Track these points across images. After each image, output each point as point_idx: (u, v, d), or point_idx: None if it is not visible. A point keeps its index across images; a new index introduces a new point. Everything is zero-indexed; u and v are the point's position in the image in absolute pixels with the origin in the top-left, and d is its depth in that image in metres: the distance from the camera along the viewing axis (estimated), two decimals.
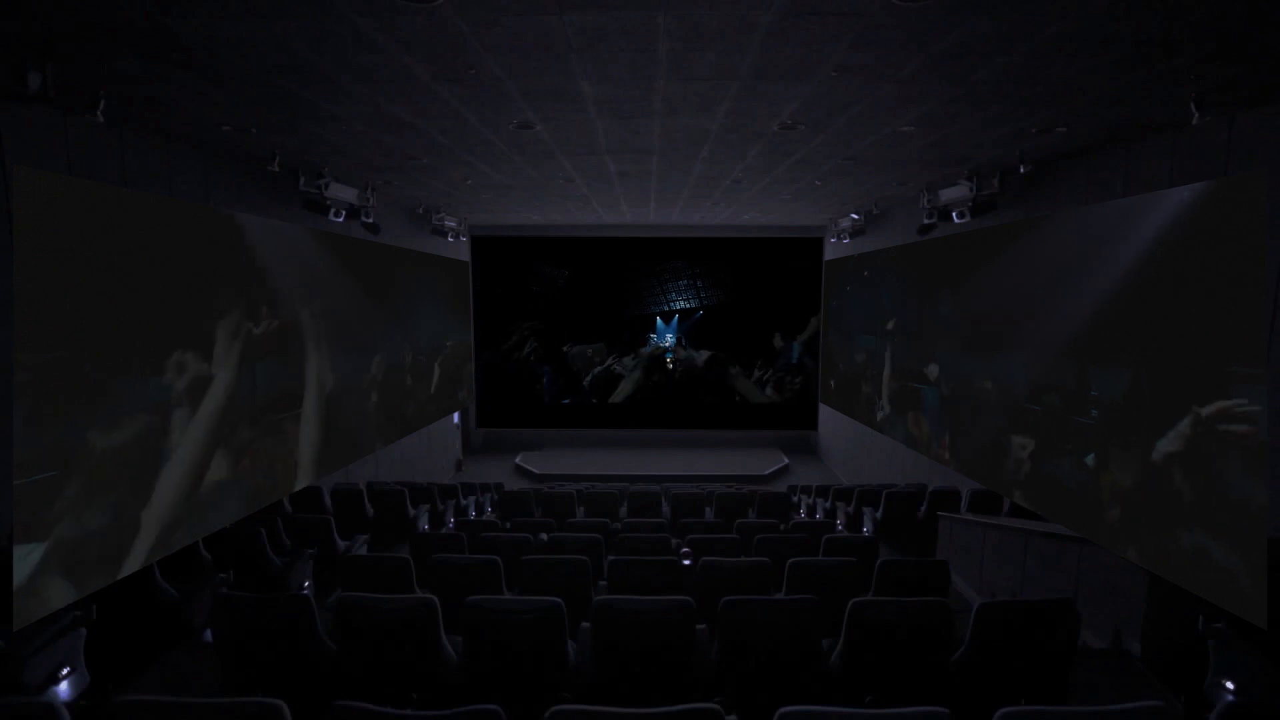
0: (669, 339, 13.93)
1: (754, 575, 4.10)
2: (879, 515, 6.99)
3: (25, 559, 3.14)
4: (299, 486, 6.04)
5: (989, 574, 5.52)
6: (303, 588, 4.78)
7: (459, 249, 12.23)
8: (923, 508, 7.02)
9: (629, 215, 10.66)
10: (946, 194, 6.91)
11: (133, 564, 3.84)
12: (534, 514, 7.18)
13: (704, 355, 13.76)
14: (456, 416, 12.78)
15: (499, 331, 13.92)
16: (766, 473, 12.54)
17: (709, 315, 13.92)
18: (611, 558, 4.30)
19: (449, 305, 11.06)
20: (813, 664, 3.16)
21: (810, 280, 13.46)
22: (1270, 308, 3.81)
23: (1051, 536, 4.78)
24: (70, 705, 2.28)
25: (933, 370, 7.36)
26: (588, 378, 13.93)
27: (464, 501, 8.10)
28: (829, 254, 12.69)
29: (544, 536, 5.31)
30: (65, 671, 2.95)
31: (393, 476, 9.18)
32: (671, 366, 13.89)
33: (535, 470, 12.67)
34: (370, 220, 7.56)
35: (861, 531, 6.86)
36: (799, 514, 8.02)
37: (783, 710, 2.05)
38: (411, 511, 6.80)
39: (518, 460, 13.27)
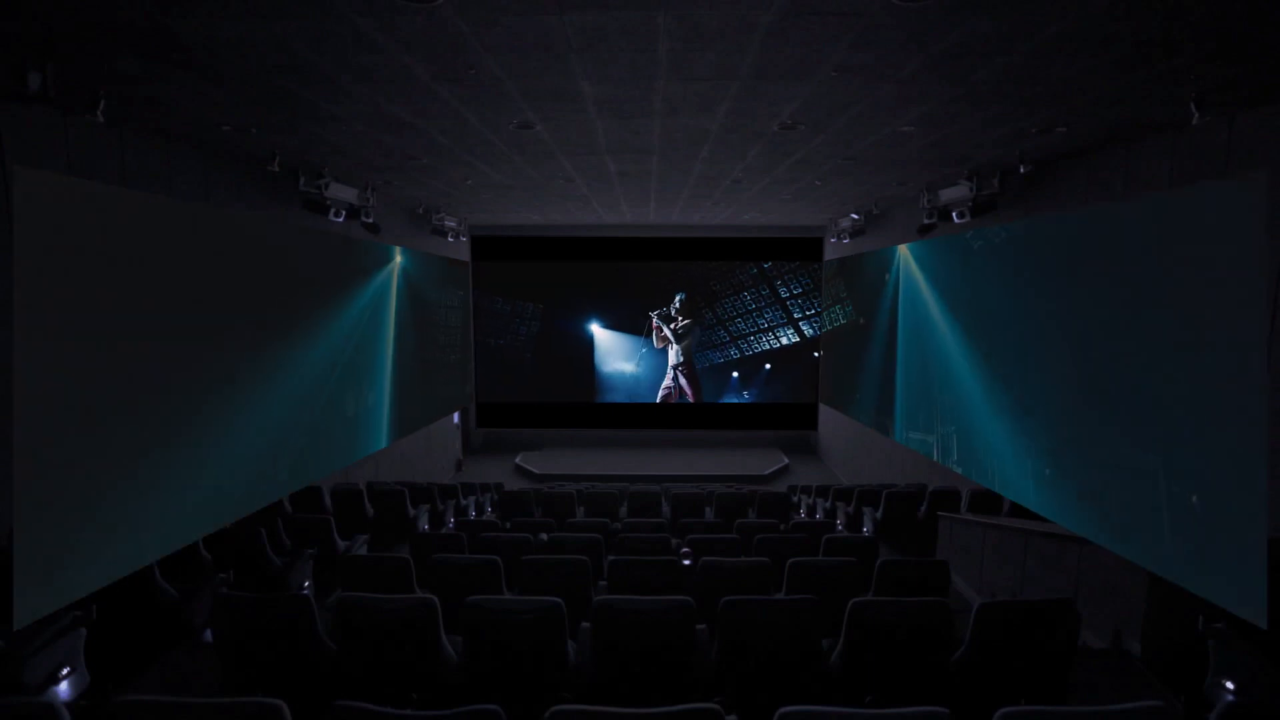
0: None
1: (754, 575, 4.10)
2: (879, 515, 6.99)
3: None
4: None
5: (989, 574, 5.52)
6: (303, 588, 4.78)
7: (459, 249, 12.23)
8: (923, 508, 7.02)
9: (629, 215, 10.67)
10: (946, 194, 6.91)
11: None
12: (534, 514, 7.18)
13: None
14: (456, 416, 12.78)
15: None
16: (766, 473, 12.54)
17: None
18: (611, 558, 4.30)
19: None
20: (813, 664, 3.16)
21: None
22: (1270, 308, 3.81)
23: (1051, 536, 4.78)
24: (70, 705, 2.28)
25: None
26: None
27: (464, 501, 8.10)
28: (829, 254, 12.69)
29: (544, 536, 5.32)
30: (65, 671, 2.95)
31: (393, 476, 9.18)
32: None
33: (535, 470, 12.67)
34: (370, 220, 7.56)
35: (861, 531, 6.86)
36: (799, 514, 8.03)
37: (783, 710, 2.05)
38: (411, 511, 6.80)
39: (518, 460, 13.27)
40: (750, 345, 13.97)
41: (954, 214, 6.87)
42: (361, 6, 2.88)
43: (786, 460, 13.25)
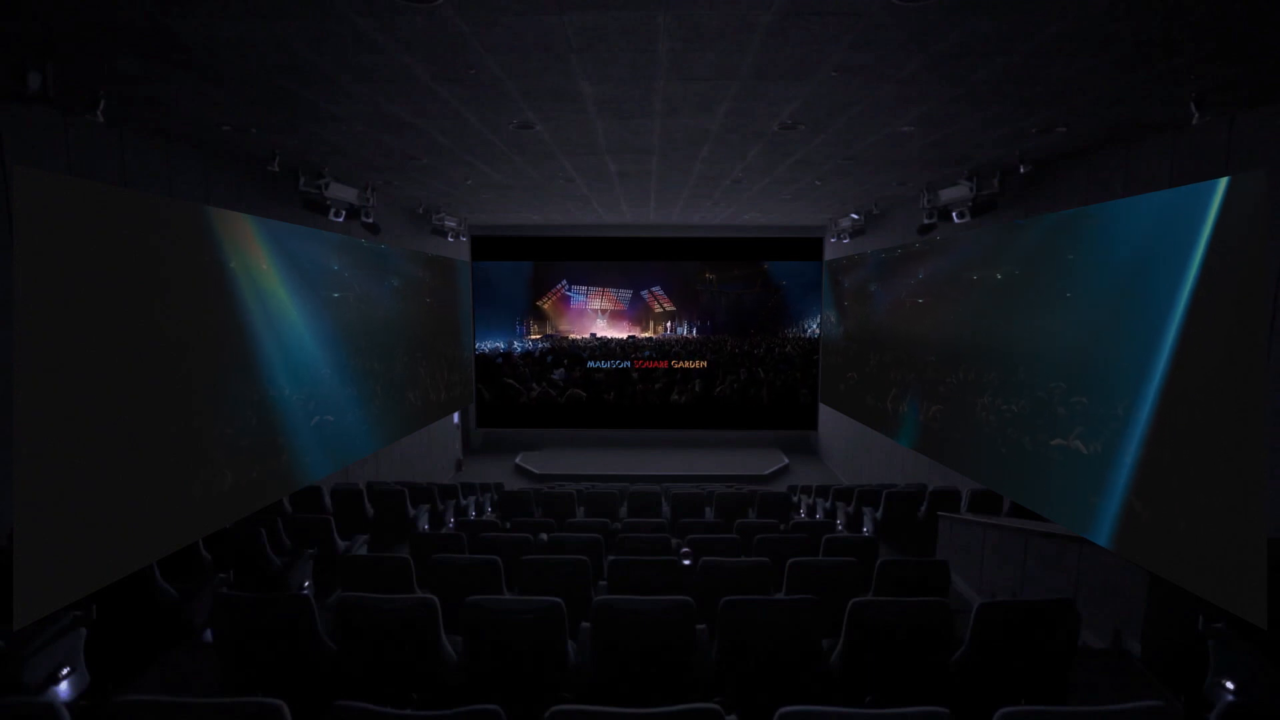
0: None
1: (754, 575, 4.09)
2: (879, 515, 6.99)
3: None
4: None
5: (989, 574, 5.52)
6: (303, 588, 4.78)
7: (459, 249, 12.24)
8: (923, 508, 7.02)
9: (629, 215, 10.67)
10: (946, 194, 6.91)
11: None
12: (534, 514, 7.18)
13: None
14: (456, 416, 12.77)
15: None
16: (766, 473, 12.54)
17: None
18: (611, 558, 4.29)
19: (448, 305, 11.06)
20: (813, 664, 3.16)
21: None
22: (1270, 308, 3.82)
23: (1051, 536, 4.78)
24: (70, 705, 2.28)
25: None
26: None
27: (464, 501, 8.10)
28: (829, 254, 12.69)
29: (544, 536, 5.31)
30: (65, 671, 2.95)
31: (393, 476, 9.18)
32: None
33: (535, 470, 12.67)
34: (370, 220, 7.56)
35: (861, 531, 6.85)
36: (799, 514, 8.02)
37: (783, 710, 2.05)
38: (411, 511, 6.80)
39: (518, 460, 13.27)
40: None
41: (954, 214, 6.87)
42: (361, 6, 2.88)
43: (786, 460, 13.25)
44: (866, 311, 9.80)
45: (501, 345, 13.94)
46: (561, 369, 13.81)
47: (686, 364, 13.86)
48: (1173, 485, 3.80)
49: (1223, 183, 3.49)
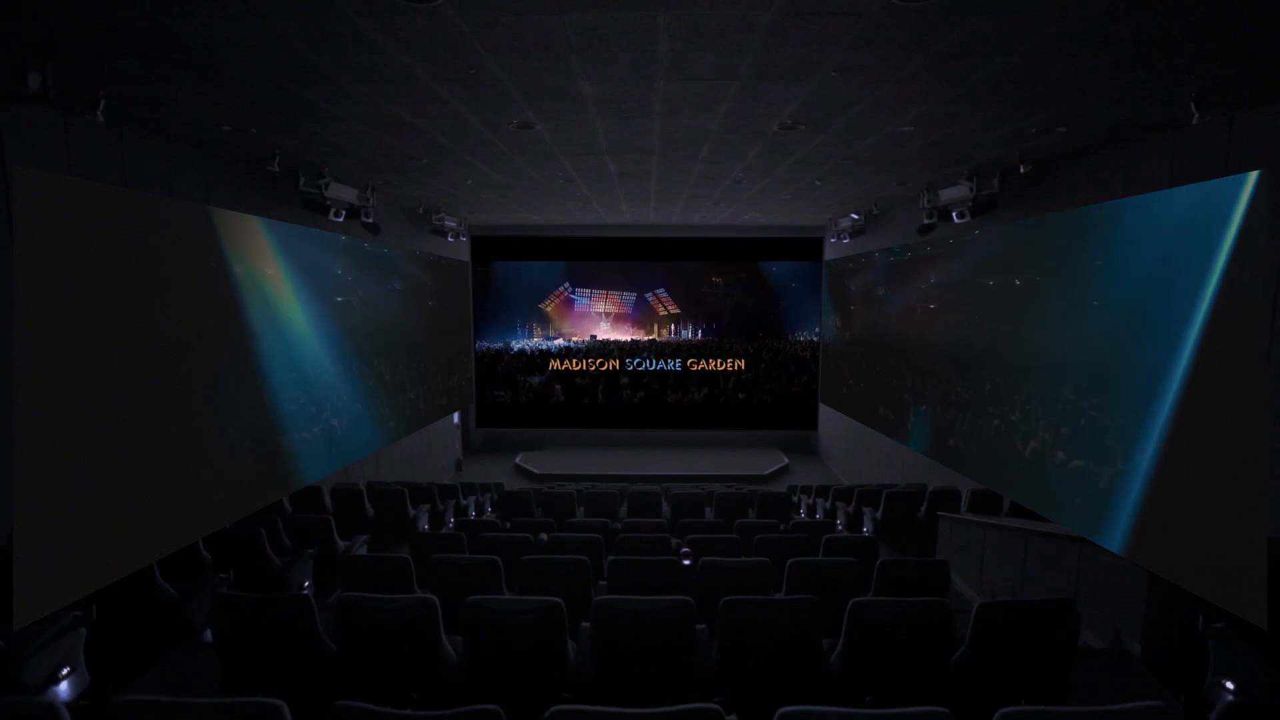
0: None
1: (754, 575, 4.09)
2: (879, 515, 6.99)
3: None
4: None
5: (989, 574, 5.52)
6: (303, 588, 4.78)
7: (459, 249, 12.24)
8: (923, 508, 7.02)
9: (629, 215, 10.67)
10: (946, 194, 6.91)
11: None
12: (534, 514, 7.18)
13: None
14: (456, 416, 12.77)
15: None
16: (766, 473, 12.54)
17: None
18: (611, 558, 4.29)
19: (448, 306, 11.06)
20: (813, 664, 3.16)
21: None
22: (1270, 308, 3.82)
23: (1051, 536, 4.78)
24: (70, 705, 2.28)
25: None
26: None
27: (464, 501, 8.10)
28: (829, 254, 12.69)
29: (544, 536, 5.31)
30: (65, 671, 2.95)
31: (393, 476, 9.18)
32: None
33: (535, 470, 12.67)
34: (370, 220, 7.56)
35: (861, 531, 6.85)
36: (799, 514, 8.02)
37: (783, 710, 2.05)
38: (411, 511, 6.80)
39: (518, 460, 13.27)
40: None
41: (954, 214, 6.88)
42: (361, 6, 2.88)
43: (786, 460, 13.25)
44: (868, 311, 9.80)
45: (497, 347, 13.93)
46: (539, 375, 13.80)
47: (702, 364, 13.83)
48: (1177, 486, 3.80)
49: (1252, 177, 3.39)
